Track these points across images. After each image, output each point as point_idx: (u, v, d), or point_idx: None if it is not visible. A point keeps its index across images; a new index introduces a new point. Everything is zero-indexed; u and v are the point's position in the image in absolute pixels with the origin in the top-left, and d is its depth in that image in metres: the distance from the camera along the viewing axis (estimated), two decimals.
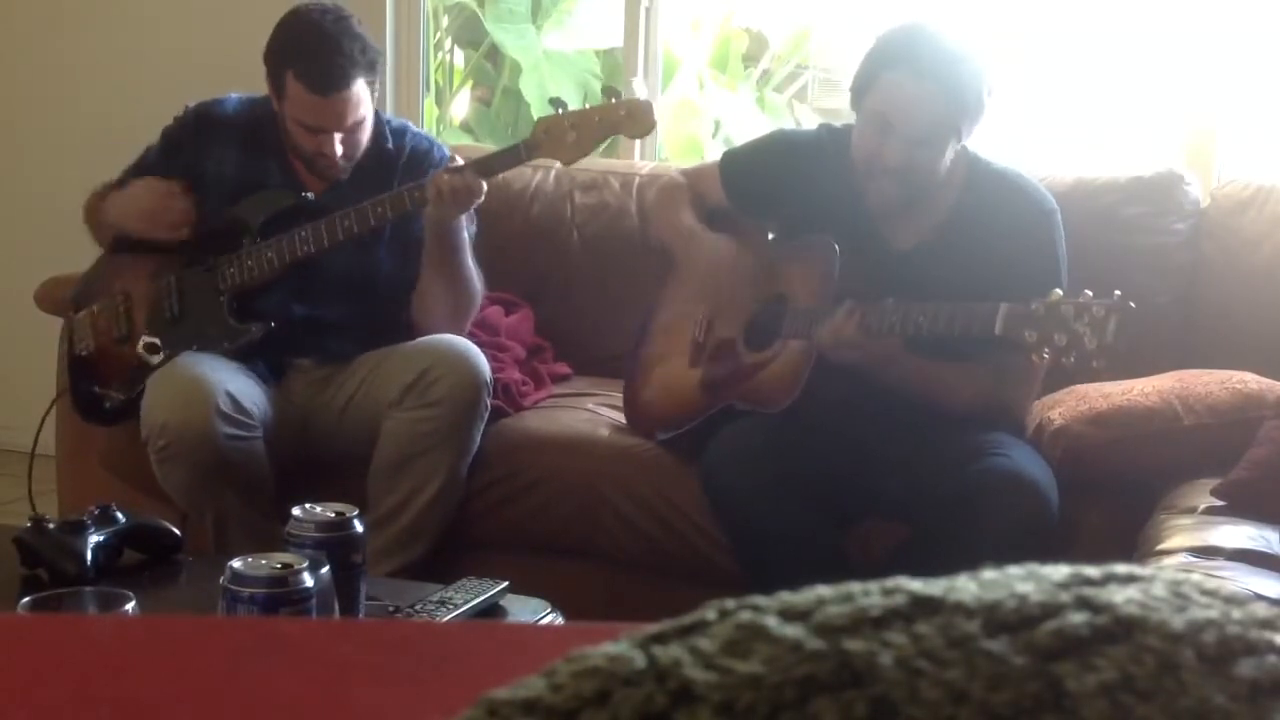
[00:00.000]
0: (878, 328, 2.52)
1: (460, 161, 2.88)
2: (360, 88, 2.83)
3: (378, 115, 2.97)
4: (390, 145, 2.99)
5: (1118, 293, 2.29)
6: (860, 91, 2.63)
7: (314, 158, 2.90)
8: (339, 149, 2.87)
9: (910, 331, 2.49)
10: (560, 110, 2.79)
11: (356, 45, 2.82)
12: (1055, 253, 2.65)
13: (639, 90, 2.85)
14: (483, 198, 2.82)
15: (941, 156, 2.59)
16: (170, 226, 2.97)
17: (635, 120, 2.78)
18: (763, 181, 2.85)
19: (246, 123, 3.00)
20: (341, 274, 2.94)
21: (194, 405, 2.71)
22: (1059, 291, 2.34)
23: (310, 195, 2.94)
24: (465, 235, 2.91)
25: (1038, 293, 2.43)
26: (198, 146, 3.00)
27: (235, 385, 2.78)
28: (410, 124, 3.15)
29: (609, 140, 2.96)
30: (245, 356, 2.89)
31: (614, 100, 2.78)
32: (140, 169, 3.08)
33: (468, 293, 2.96)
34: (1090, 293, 2.31)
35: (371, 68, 2.85)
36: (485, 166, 2.85)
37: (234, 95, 3.07)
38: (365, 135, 2.92)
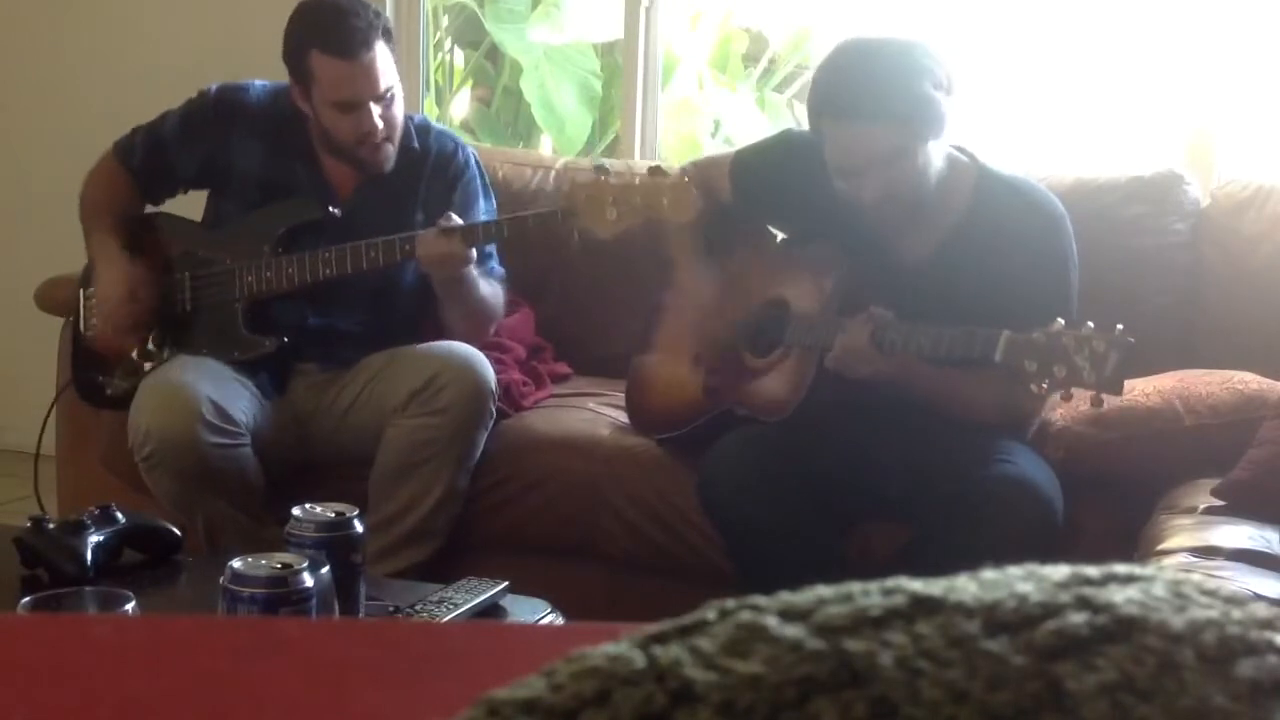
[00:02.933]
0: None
1: (456, 220, 2.83)
2: (383, 51, 2.82)
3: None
4: (416, 145, 2.97)
5: (1120, 326, 2.26)
6: (816, 137, 2.61)
7: (356, 146, 2.86)
8: (379, 122, 2.83)
9: (911, 351, 2.47)
10: (603, 177, 2.75)
11: (369, 11, 2.84)
12: (1066, 264, 2.60)
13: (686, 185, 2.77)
14: (471, 260, 2.81)
15: (914, 166, 2.52)
16: (118, 330, 2.93)
17: (678, 207, 2.70)
18: (770, 185, 2.82)
19: (272, 117, 2.96)
20: (368, 286, 2.92)
21: (177, 413, 2.70)
22: (1061, 321, 2.30)
23: (336, 211, 2.91)
24: (473, 274, 2.88)
25: (1049, 303, 2.42)
26: (222, 135, 2.96)
27: (220, 393, 2.77)
28: (431, 121, 3.12)
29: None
30: (250, 367, 2.89)
31: (658, 180, 2.70)
32: (154, 140, 3.02)
33: (483, 313, 2.96)
34: (1092, 324, 2.27)
35: (389, 34, 2.86)
36: (520, 224, 2.86)
37: (258, 82, 3.02)
38: (400, 112, 2.89)
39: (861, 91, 2.48)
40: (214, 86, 3.03)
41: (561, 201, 2.86)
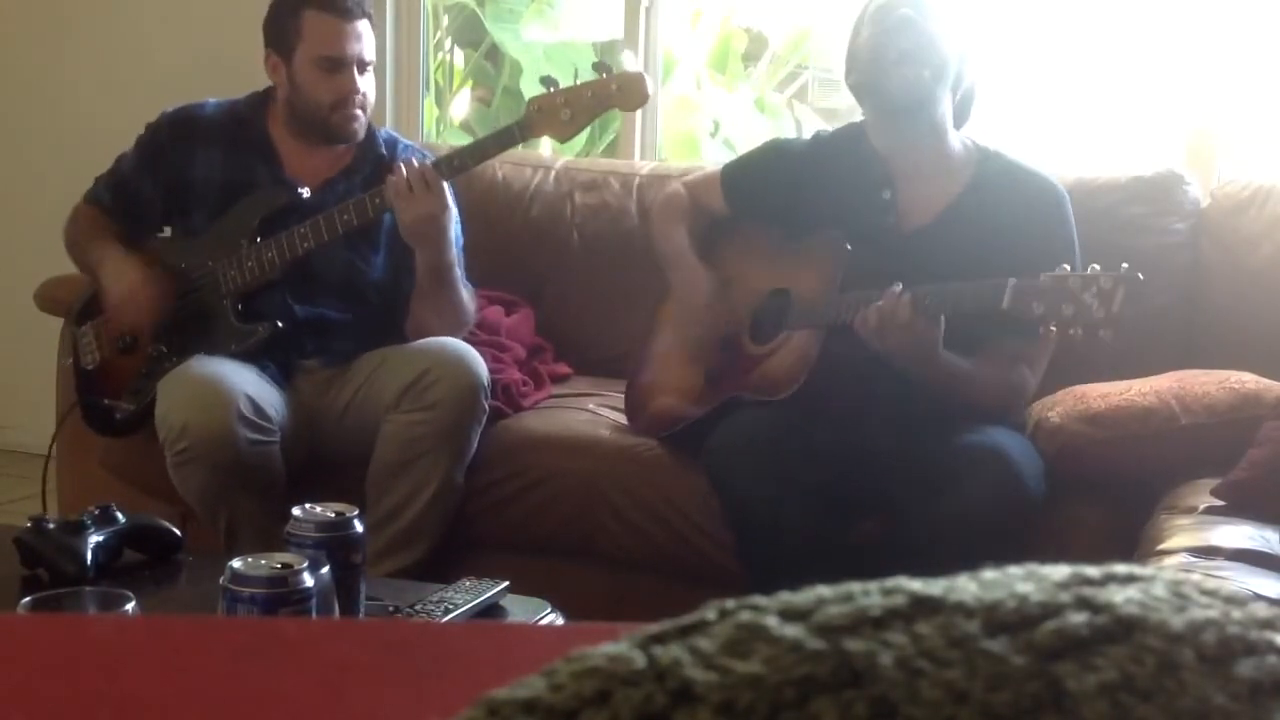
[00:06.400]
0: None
1: (431, 156, 2.92)
2: (368, 28, 2.95)
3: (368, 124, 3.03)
4: (384, 151, 3.03)
5: (1125, 265, 2.32)
6: (855, 35, 2.75)
7: (331, 110, 2.93)
8: (360, 85, 2.93)
9: (920, 310, 2.50)
10: (551, 89, 2.80)
11: None
12: (1068, 232, 2.69)
13: (629, 64, 2.85)
14: (443, 197, 2.81)
15: (941, 48, 2.67)
16: (138, 314, 2.96)
17: (628, 93, 2.79)
18: (763, 191, 2.89)
19: (229, 123, 3.02)
20: (336, 278, 2.95)
21: (215, 408, 2.70)
22: (1066, 267, 2.37)
23: (305, 192, 2.94)
24: (457, 274, 2.92)
25: (1049, 268, 2.47)
26: (181, 152, 3.00)
27: (254, 389, 2.78)
28: (400, 136, 3.19)
29: (603, 116, 2.96)
30: (254, 358, 2.89)
31: (605, 75, 2.78)
32: (116, 179, 3.08)
33: (458, 320, 2.98)
34: (1098, 266, 2.34)
35: (371, 19, 2.99)
36: (479, 150, 2.87)
37: (210, 100, 3.09)
38: (373, 91, 2.98)
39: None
40: (165, 112, 3.08)
41: (519, 120, 2.89)
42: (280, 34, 2.95)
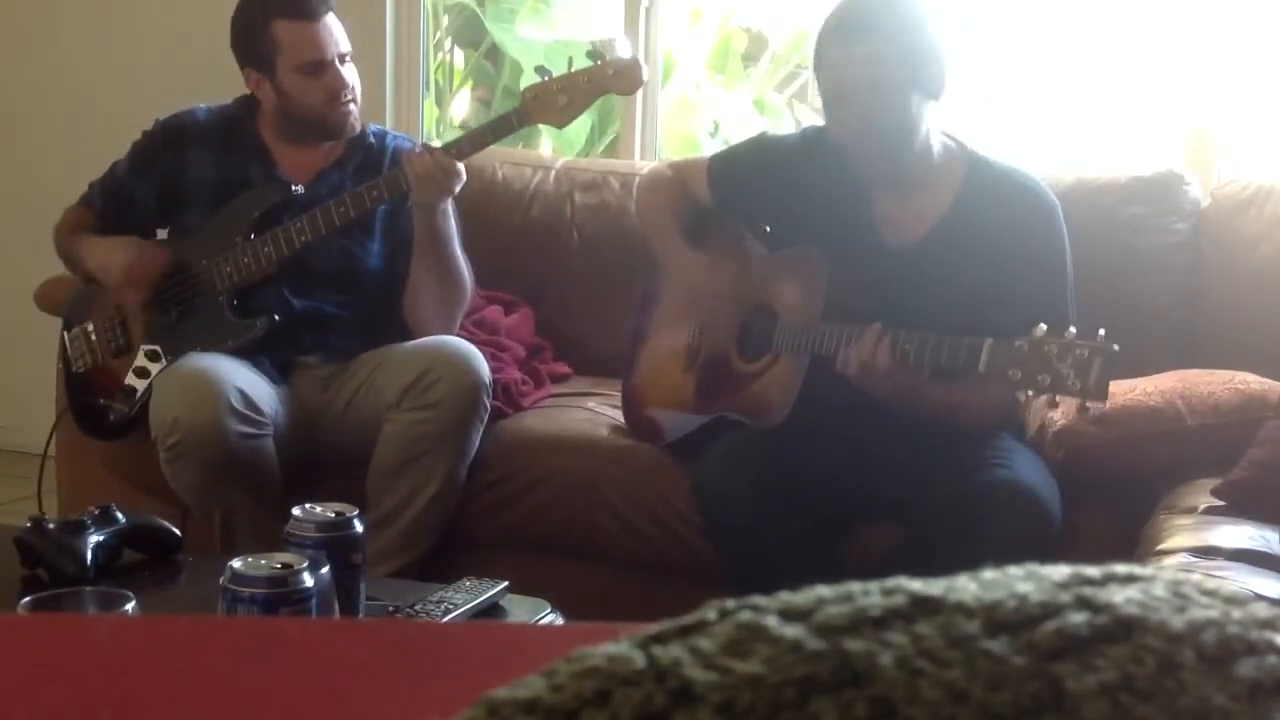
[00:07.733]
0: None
1: (436, 143, 2.92)
2: (335, 21, 2.96)
3: None
4: (373, 141, 3.06)
5: (1102, 331, 2.23)
6: (817, 73, 2.65)
7: (326, 109, 2.94)
8: (347, 79, 2.94)
9: (896, 357, 2.45)
10: (546, 77, 2.81)
11: None
12: (1061, 246, 2.62)
13: (622, 49, 2.85)
14: (462, 178, 2.85)
15: (907, 110, 2.54)
16: (144, 281, 2.97)
17: (624, 78, 2.81)
18: (748, 187, 2.83)
19: (220, 126, 3.05)
20: (333, 267, 2.96)
21: (205, 402, 2.70)
22: (1044, 326, 2.26)
23: (299, 188, 2.95)
24: (454, 227, 2.94)
25: (1044, 295, 2.42)
26: (174, 156, 3.02)
27: (245, 382, 2.78)
28: (389, 130, 3.21)
29: (598, 100, 2.95)
30: (251, 354, 2.89)
31: (600, 61, 2.79)
32: (110, 185, 3.09)
33: (458, 286, 2.98)
34: (1074, 330, 2.25)
35: (334, 9, 2.99)
36: (477, 138, 2.89)
37: (201, 106, 3.10)
38: (357, 79, 2.99)
39: (873, 13, 2.54)
40: (159, 119, 3.09)
41: (516, 108, 2.90)
42: (254, 50, 2.96)
